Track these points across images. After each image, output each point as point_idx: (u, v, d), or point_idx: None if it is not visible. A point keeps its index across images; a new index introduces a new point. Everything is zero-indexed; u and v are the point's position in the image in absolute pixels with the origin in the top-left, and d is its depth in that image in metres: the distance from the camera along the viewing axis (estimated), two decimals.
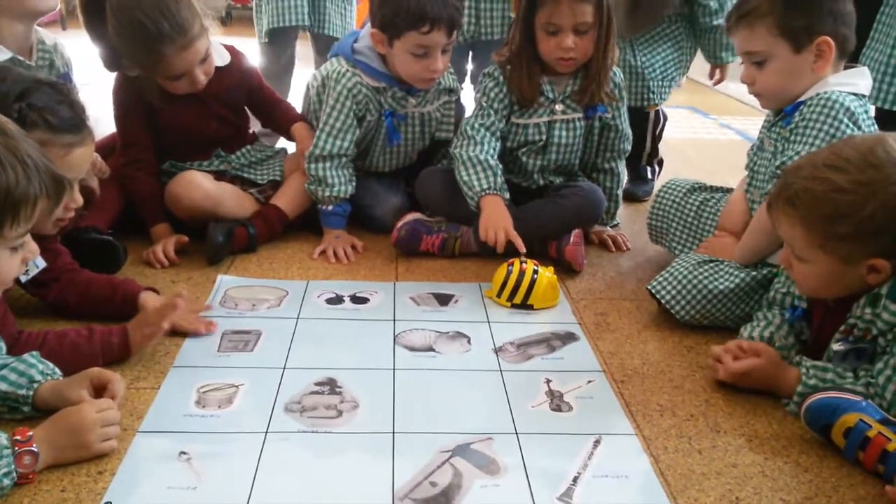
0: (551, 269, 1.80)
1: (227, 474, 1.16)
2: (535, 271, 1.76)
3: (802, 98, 1.61)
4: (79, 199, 1.44)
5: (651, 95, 2.45)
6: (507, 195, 1.99)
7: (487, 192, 1.94)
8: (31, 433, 1.12)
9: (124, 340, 1.41)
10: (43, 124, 1.32)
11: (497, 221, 1.90)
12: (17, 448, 1.10)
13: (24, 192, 1.07)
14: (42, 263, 1.50)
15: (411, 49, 1.95)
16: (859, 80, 1.61)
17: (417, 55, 1.96)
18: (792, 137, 1.59)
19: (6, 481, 1.08)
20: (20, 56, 1.80)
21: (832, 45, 1.57)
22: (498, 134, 2.05)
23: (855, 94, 1.57)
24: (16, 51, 1.78)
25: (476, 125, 2.03)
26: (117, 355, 1.41)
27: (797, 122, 1.59)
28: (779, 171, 1.51)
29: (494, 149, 2.02)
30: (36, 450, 1.11)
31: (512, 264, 1.77)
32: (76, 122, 1.39)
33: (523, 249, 1.86)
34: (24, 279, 1.48)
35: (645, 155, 2.66)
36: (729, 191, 1.91)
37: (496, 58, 2.07)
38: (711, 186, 1.96)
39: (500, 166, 2.01)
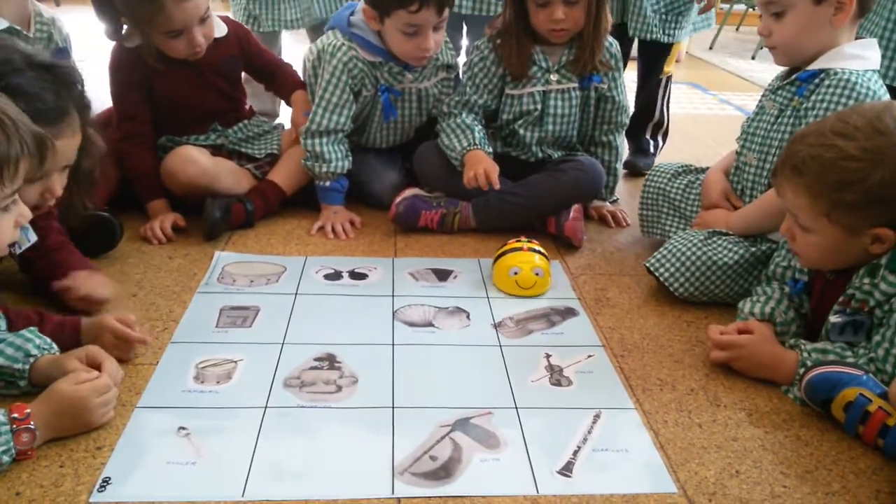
0: (538, 264, 1.69)
1: (226, 449, 1.16)
2: (510, 251, 1.71)
3: (816, 66, 1.58)
4: (56, 190, 1.37)
5: (653, 29, 2.38)
6: (490, 150, 2.01)
7: (468, 148, 1.97)
8: (28, 410, 1.12)
9: (75, 339, 1.34)
10: None
11: (478, 164, 1.92)
12: (14, 426, 1.09)
13: (3, 152, 1.04)
14: (34, 237, 1.47)
15: (401, 27, 1.93)
16: (871, 52, 1.59)
17: (408, 33, 1.94)
18: (809, 118, 1.56)
19: (5, 458, 1.08)
20: (17, 26, 1.77)
21: None
22: (477, 109, 2.08)
23: (872, 71, 1.55)
24: (13, 21, 1.76)
25: (453, 103, 2.08)
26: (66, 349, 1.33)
27: (815, 101, 1.56)
28: None
29: (473, 119, 2.04)
30: (34, 427, 1.11)
31: (517, 239, 1.76)
32: (55, 113, 1.31)
33: (497, 185, 1.89)
34: (16, 251, 1.46)
35: (651, 126, 2.64)
36: None
37: (488, 30, 2.06)
38: (696, 168, 1.94)
39: (481, 127, 2.04)
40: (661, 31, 2.41)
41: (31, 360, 1.22)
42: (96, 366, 1.22)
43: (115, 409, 1.22)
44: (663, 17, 2.41)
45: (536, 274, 1.67)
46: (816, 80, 1.58)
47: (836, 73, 1.54)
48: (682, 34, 2.46)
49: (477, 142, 1.98)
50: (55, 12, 2.01)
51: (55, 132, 1.30)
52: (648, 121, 2.63)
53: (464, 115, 2.05)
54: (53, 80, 1.33)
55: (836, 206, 1.27)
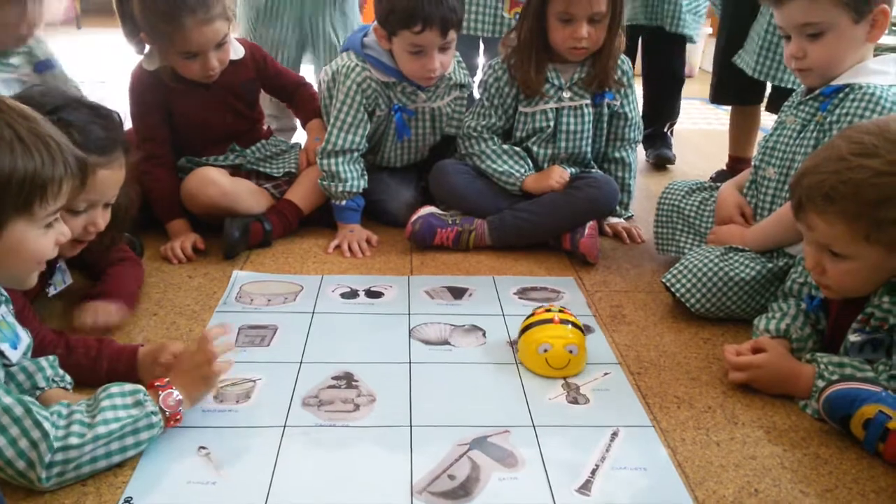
0: (572, 340, 1.44)
1: (245, 469, 1.17)
2: (539, 323, 1.47)
3: (841, 81, 1.58)
4: (100, 224, 1.43)
5: (687, 25, 2.62)
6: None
7: (526, 174, 2.04)
8: (167, 380, 1.21)
9: (132, 370, 1.36)
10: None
11: (550, 175, 2.02)
12: (161, 392, 1.18)
13: (49, 172, 1.08)
14: (69, 280, 1.53)
15: (406, 48, 1.96)
16: (894, 68, 1.59)
17: (414, 53, 1.96)
18: (834, 131, 1.56)
19: (155, 419, 1.16)
20: None
21: (888, 14, 1.53)
22: (499, 132, 2.11)
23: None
24: None
25: (479, 127, 2.10)
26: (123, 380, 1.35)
27: (840, 115, 1.56)
28: None
29: (509, 145, 2.08)
30: (177, 392, 1.19)
31: (547, 309, 1.52)
32: (104, 143, 1.39)
33: (567, 176, 2.02)
34: (51, 293, 1.49)
35: (669, 123, 2.87)
36: None
37: (502, 49, 2.08)
38: (710, 185, 1.95)
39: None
40: (690, 27, 2.64)
41: (38, 392, 1.22)
42: None
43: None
44: (693, 15, 2.63)
45: (570, 352, 1.44)
46: (841, 95, 1.58)
47: (860, 88, 1.54)
48: (700, 31, 2.71)
49: (531, 168, 2.06)
50: (74, 35, 2.05)
51: (105, 162, 1.38)
52: (668, 119, 2.86)
53: (495, 139, 2.08)
54: (101, 118, 1.41)
55: (878, 224, 1.24)
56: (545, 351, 1.43)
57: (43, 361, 1.25)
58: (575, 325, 1.48)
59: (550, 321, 1.47)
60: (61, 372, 1.28)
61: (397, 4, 1.91)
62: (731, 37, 2.37)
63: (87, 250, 1.52)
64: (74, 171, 1.13)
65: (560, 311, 1.49)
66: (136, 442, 1.14)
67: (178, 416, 1.20)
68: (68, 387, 1.28)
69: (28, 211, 1.08)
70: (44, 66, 1.91)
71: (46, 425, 1.05)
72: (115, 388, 1.15)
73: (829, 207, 1.27)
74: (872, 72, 1.56)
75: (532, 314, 1.51)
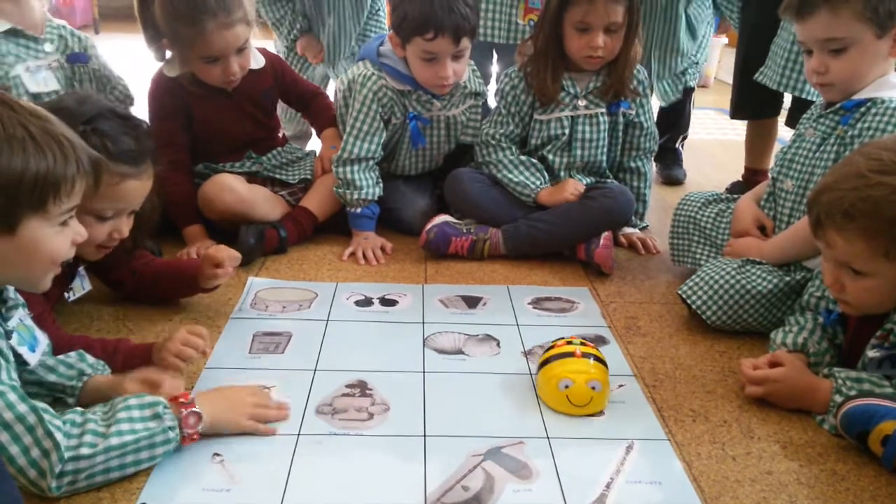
0: (594, 375, 1.35)
1: (260, 476, 1.17)
2: (559, 356, 1.39)
3: (863, 95, 1.57)
4: (124, 231, 1.45)
5: (675, 92, 2.67)
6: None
7: (542, 187, 2.04)
8: (192, 396, 1.21)
9: (147, 362, 1.39)
10: (101, 149, 1.30)
11: (564, 188, 2.01)
12: (183, 409, 1.17)
13: (62, 170, 1.09)
14: (88, 286, 1.54)
15: (419, 55, 1.97)
16: None
17: (426, 60, 1.97)
18: (855, 146, 1.55)
19: (171, 434, 1.15)
20: (22, 27, 1.90)
21: None
22: (517, 139, 2.11)
23: None
24: (19, 23, 1.89)
25: (497, 135, 2.10)
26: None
27: (861, 129, 1.55)
28: None
29: (526, 156, 2.08)
30: (199, 410, 1.19)
31: (568, 341, 1.43)
32: (135, 154, 1.40)
33: (582, 188, 2.02)
34: (70, 298, 1.51)
35: (680, 138, 2.83)
36: None
37: (518, 57, 2.09)
38: (727, 197, 1.94)
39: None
40: (682, 85, 2.67)
41: (85, 378, 1.27)
42: (156, 386, 1.25)
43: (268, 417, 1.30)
44: (680, 76, 2.65)
45: (593, 388, 1.35)
46: (862, 109, 1.57)
47: (883, 102, 1.54)
48: (698, 76, 2.74)
49: (546, 180, 2.06)
50: (93, 39, 2.09)
51: (135, 173, 1.41)
52: (679, 134, 2.83)
53: (513, 148, 2.08)
54: (133, 129, 1.43)
55: (895, 242, 1.23)
56: (566, 387, 1.35)
57: (76, 354, 1.30)
58: (598, 358, 1.39)
59: (571, 354, 1.38)
60: (100, 361, 1.32)
61: (410, 12, 1.92)
62: (750, 53, 2.33)
63: (108, 255, 1.53)
64: (87, 170, 1.13)
65: (581, 343, 1.42)
66: (150, 456, 1.14)
67: (195, 437, 1.19)
68: (108, 373, 1.31)
69: (42, 209, 1.08)
70: (76, 57, 1.97)
71: (58, 436, 1.05)
72: (133, 400, 1.16)
73: (848, 225, 1.26)
74: (895, 86, 1.55)
75: (552, 346, 1.42)
